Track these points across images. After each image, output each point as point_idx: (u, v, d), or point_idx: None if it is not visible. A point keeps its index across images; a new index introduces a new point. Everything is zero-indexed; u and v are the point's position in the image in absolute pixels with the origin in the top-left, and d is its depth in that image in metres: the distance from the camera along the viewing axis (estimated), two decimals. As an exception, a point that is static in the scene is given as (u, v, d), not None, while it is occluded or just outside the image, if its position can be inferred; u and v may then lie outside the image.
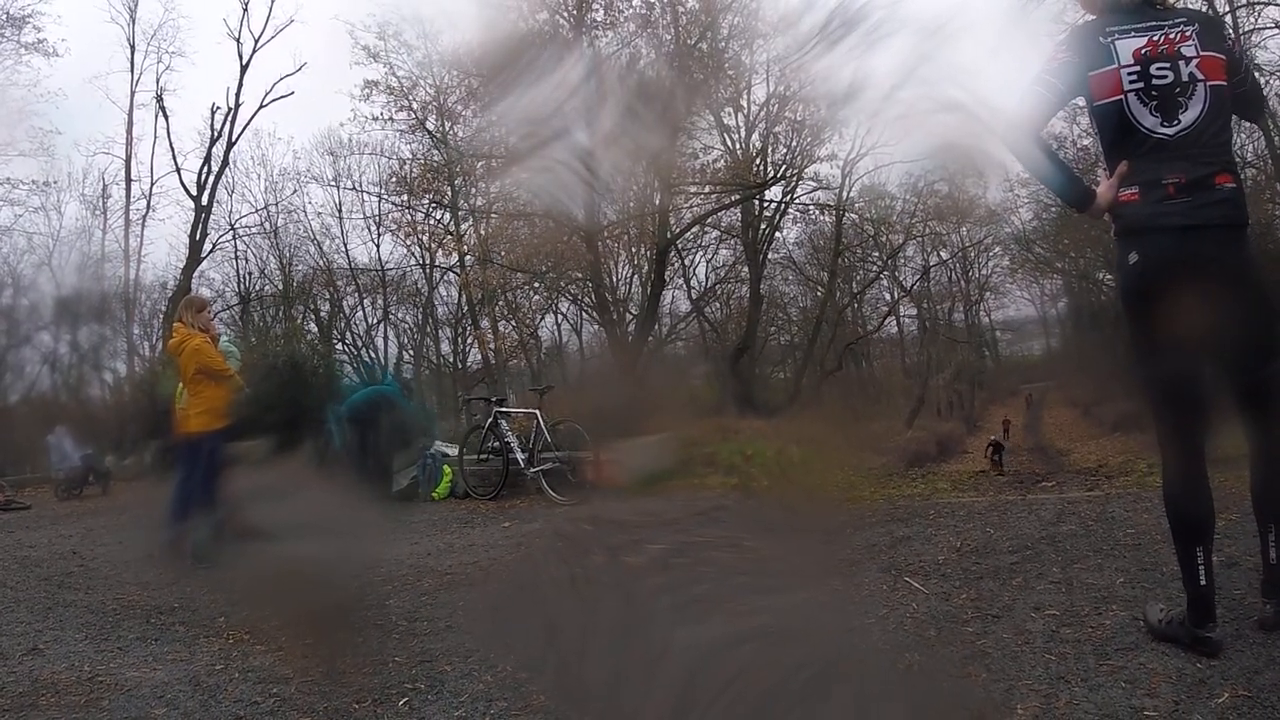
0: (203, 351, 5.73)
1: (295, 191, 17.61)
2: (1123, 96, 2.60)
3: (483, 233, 15.76)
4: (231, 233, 17.32)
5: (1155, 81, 2.57)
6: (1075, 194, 2.79)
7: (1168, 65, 2.57)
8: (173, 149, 16.71)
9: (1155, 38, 2.59)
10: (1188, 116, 2.56)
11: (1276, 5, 12.87)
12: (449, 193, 16.01)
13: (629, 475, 7.24)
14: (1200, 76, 2.56)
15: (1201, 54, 2.57)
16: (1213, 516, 2.57)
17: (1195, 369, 2.60)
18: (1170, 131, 2.57)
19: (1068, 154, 15.10)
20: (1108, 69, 2.62)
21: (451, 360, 18.27)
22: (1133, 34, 2.61)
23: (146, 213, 16.74)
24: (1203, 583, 2.53)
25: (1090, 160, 14.94)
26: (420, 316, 18.17)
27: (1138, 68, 2.59)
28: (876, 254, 17.43)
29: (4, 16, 14.96)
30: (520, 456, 8.26)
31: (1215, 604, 2.57)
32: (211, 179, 16.71)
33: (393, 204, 16.85)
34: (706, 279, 17.63)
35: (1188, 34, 2.58)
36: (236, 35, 16.47)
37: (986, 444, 16.33)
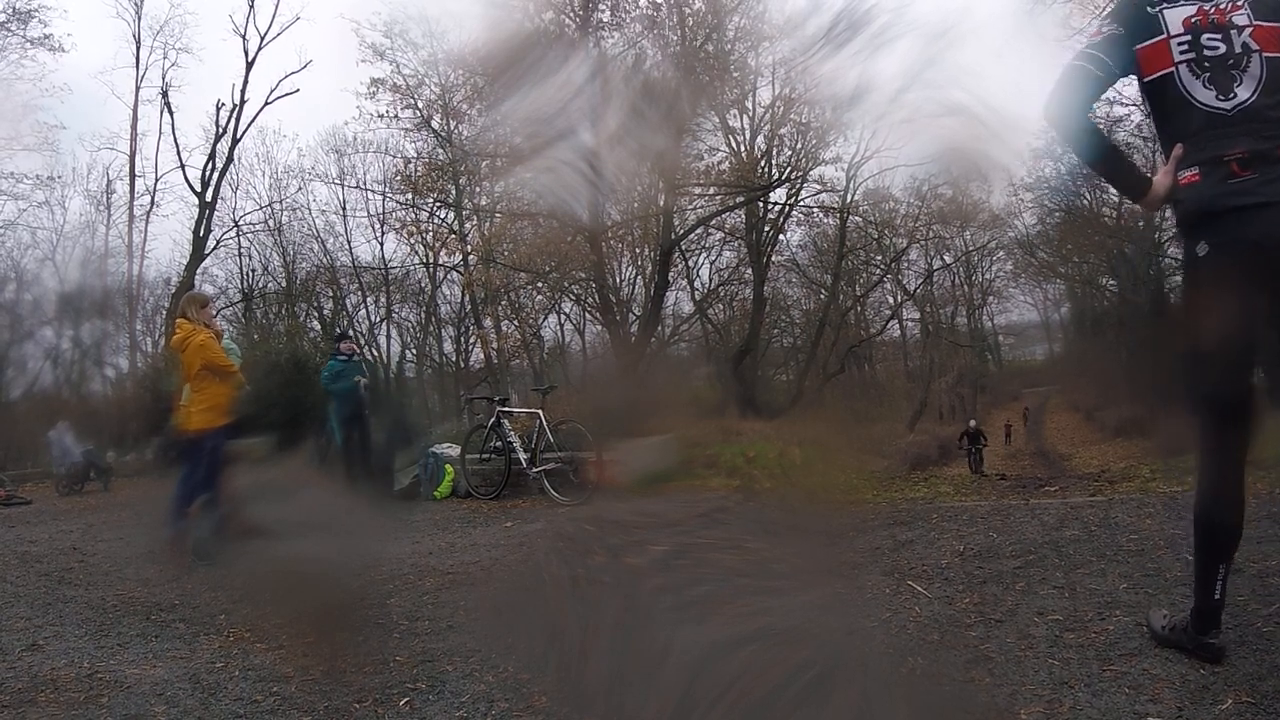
0: (208, 347, 5.72)
1: (299, 189, 17.69)
2: (1174, 69, 2.41)
3: (486, 232, 15.79)
4: (235, 229, 17.37)
5: (1207, 52, 2.38)
6: (1129, 182, 2.61)
7: (1219, 36, 2.38)
8: (177, 145, 16.80)
9: (1205, 7, 2.40)
10: (1243, 91, 2.35)
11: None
12: (453, 192, 16.04)
13: (631, 476, 7.23)
14: (1255, 47, 2.35)
15: (1255, 23, 2.37)
16: (1240, 534, 2.46)
17: (1250, 379, 2.42)
18: (1227, 106, 2.36)
19: (1071, 159, 15.13)
20: (1156, 40, 2.43)
21: (454, 359, 18.29)
22: (1181, 2, 2.42)
23: (150, 208, 16.80)
24: (1217, 597, 2.46)
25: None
26: (423, 315, 18.20)
27: (1188, 37, 2.39)
28: (880, 257, 17.45)
29: (10, 11, 15.01)
30: (522, 456, 8.27)
31: (1222, 614, 2.53)
32: (216, 175, 16.77)
33: (397, 202, 16.90)
34: (710, 280, 17.65)
35: (1239, 3, 2.39)
36: (242, 32, 16.53)
37: (960, 433, 16.20)
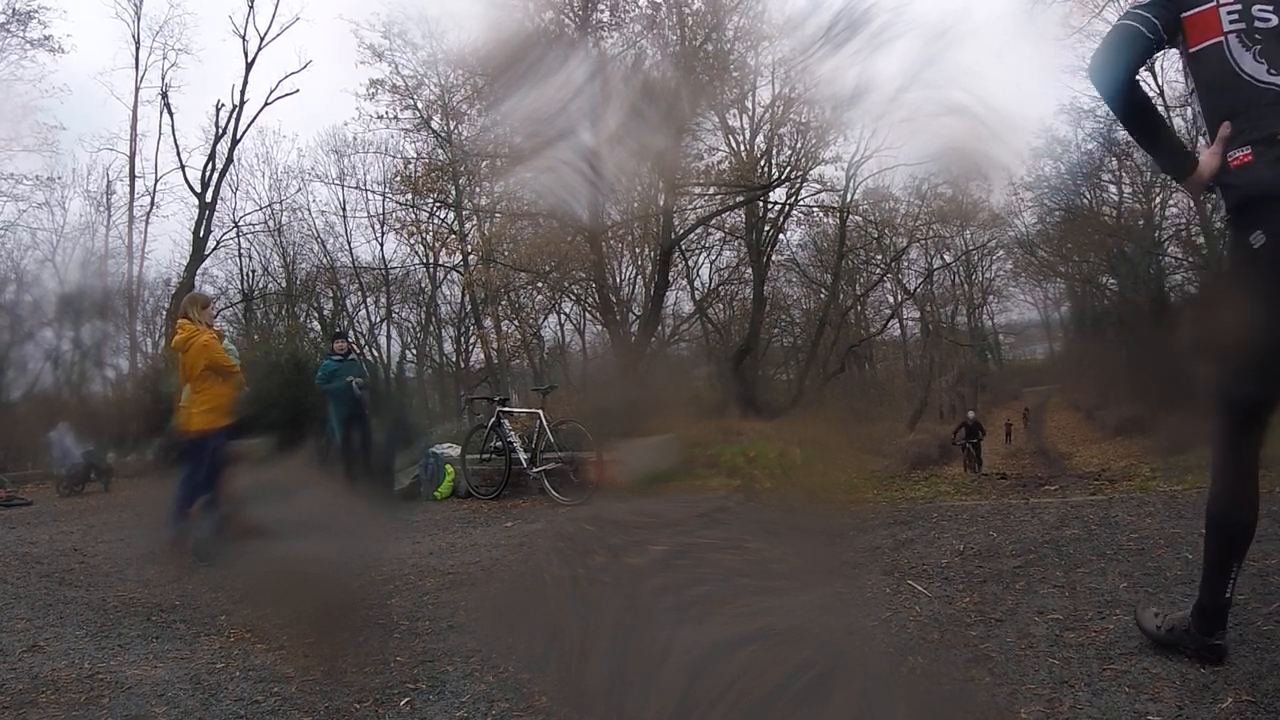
0: (211, 348, 5.74)
1: (299, 189, 17.68)
2: (1223, 38, 2.26)
3: (486, 232, 15.79)
4: (235, 230, 17.36)
5: (1258, 24, 2.24)
6: (1173, 159, 2.41)
7: (1271, 7, 2.24)
8: (177, 146, 16.79)
9: None
10: None
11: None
12: (453, 192, 16.04)
13: (631, 476, 7.23)
14: None
15: None
16: (1254, 532, 2.40)
17: None
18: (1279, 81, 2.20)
19: (1071, 158, 15.15)
20: (1204, 7, 2.29)
21: (454, 359, 18.29)
22: None
23: (150, 209, 16.79)
24: (1227, 595, 2.41)
25: (1094, 165, 15.00)
26: (423, 315, 18.20)
27: (1239, 7, 2.26)
28: (880, 257, 17.44)
29: (10, 12, 15.01)
30: (523, 456, 8.27)
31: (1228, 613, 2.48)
32: (216, 176, 16.76)
33: (397, 203, 16.89)
34: (710, 280, 17.65)
35: None
36: (242, 32, 16.52)
37: (957, 425, 15.92)
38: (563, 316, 17.82)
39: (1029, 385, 19.22)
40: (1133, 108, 2.42)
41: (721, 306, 18.00)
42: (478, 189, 15.91)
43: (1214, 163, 2.28)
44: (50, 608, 4.53)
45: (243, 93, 16.64)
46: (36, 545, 6.76)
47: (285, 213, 17.57)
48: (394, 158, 16.49)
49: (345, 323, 17.65)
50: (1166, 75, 13.44)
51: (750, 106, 15.65)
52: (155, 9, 18.87)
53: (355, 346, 11.99)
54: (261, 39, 16.56)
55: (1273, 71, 2.22)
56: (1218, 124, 2.29)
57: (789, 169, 15.62)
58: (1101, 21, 13.44)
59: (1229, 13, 2.26)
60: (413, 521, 7.35)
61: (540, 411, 8.42)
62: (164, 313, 16.57)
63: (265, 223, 17.56)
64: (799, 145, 15.45)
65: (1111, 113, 2.47)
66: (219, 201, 16.92)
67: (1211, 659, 2.45)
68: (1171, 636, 2.55)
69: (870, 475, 8.51)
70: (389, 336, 18.24)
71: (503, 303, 16.64)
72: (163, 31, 16.66)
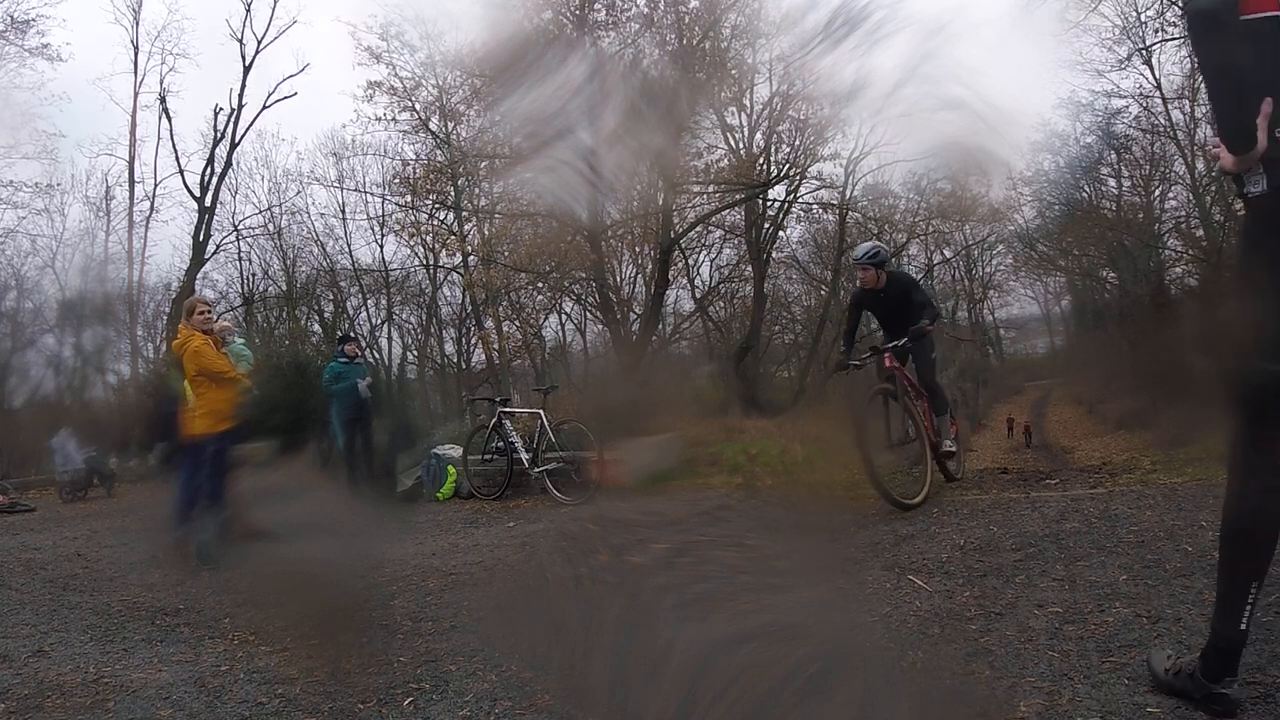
0: (201, 353, 5.72)
1: (299, 193, 17.63)
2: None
3: (486, 233, 15.79)
4: (235, 234, 17.35)
5: None
6: (1243, 123, 2.08)
7: None
8: (176, 150, 16.72)
9: None
10: None
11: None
12: (452, 193, 16.03)
13: (633, 475, 7.25)
14: None
15: None
16: (1276, 546, 2.14)
17: None
18: None
19: (1070, 152, 15.14)
20: None
21: (456, 360, 18.28)
22: None
23: (150, 214, 16.75)
24: (1242, 627, 2.14)
25: (1093, 159, 14.99)
26: (424, 317, 18.18)
27: None
28: (880, 253, 17.40)
29: (8, 20, 15.00)
30: (524, 456, 8.29)
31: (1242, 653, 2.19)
32: (215, 180, 16.74)
33: (396, 205, 16.88)
34: (710, 278, 17.63)
35: None
36: (239, 36, 16.49)
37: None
38: (563, 316, 17.82)
39: (1030, 380, 19.19)
40: (1221, 59, 2.14)
41: (722, 304, 17.97)
42: (477, 190, 15.91)
43: (1263, 140, 2.06)
44: (55, 613, 4.54)
45: (240, 96, 16.60)
46: (40, 551, 6.77)
47: (285, 216, 17.57)
48: (393, 159, 16.49)
49: (347, 324, 17.63)
50: (1164, 69, 13.46)
51: (748, 104, 15.65)
52: (153, 14, 18.85)
53: (359, 350, 12.01)
54: (259, 43, 16.55)
55: None
56: (1258, 100, 2.07)
57: (788, 166, 15.60)
58: (1098, 16, 13.44)
59: None
60: (415, 522, 7.37)
61: (542, 411, 8.43)
62: (165, 318, 16.56)
63: (265, 226, 17.56)
64: (798, 142, 15.42)
65: (1201, 47, 2.17)
66: (218, 205, 16.92)
67: (1219, 711, 2.18)
68: (1177, 681, 2.28)
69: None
70: (390, 338, 18.24)
71: (503, 303, 16.64)
72: (161, 36, 16.63)
